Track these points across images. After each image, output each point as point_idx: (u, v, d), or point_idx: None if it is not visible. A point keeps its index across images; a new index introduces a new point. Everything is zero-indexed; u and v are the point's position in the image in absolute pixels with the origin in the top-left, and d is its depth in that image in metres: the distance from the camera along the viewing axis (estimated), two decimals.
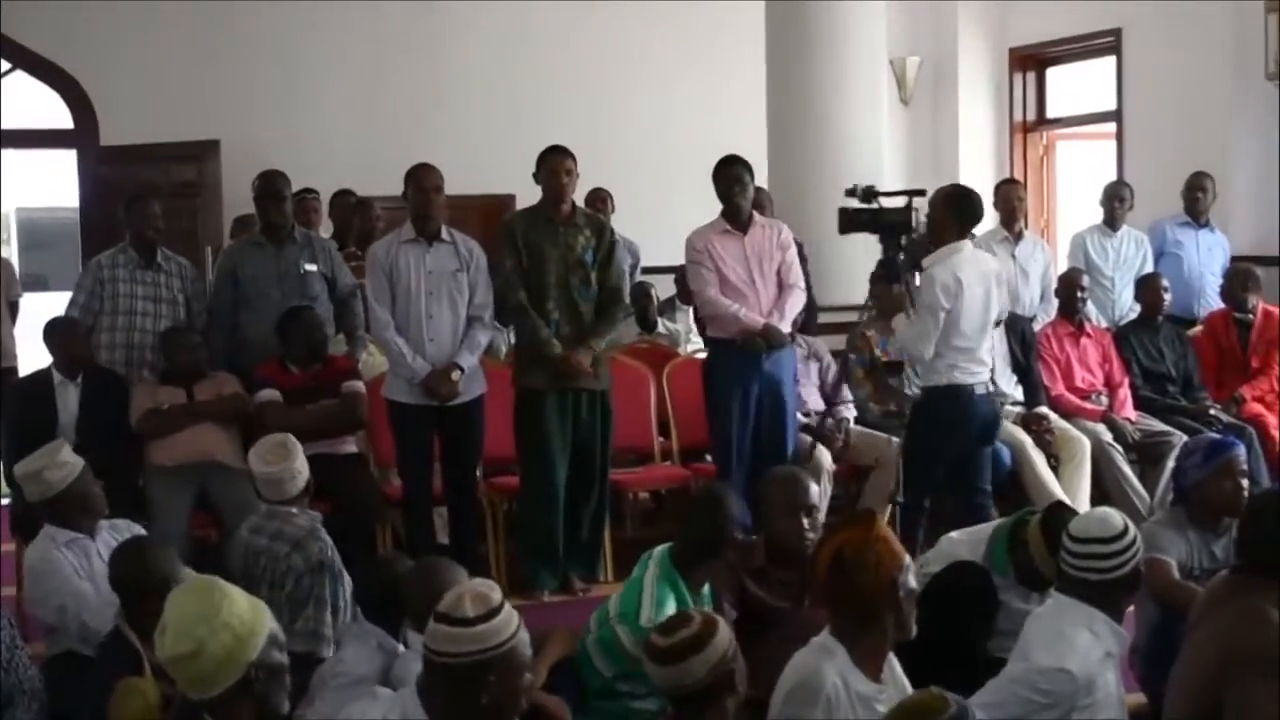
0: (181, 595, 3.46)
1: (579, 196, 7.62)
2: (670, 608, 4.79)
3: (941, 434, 6.87)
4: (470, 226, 7.76)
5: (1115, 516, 4.37)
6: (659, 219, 11.26)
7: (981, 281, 6.81)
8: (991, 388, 7.06)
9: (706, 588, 5.04)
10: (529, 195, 7.52)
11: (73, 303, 7.60)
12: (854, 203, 7.43)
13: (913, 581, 3.87)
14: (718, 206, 7.68)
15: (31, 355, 7.82)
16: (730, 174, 7.48)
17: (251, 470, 5.75)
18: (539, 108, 12.26)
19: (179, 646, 3.31)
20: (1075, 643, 4.19)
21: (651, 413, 8.17)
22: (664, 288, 10.14)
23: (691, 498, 5.48)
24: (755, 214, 7.63)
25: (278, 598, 5.37)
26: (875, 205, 7.38)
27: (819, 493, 5.25)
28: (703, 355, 8.32)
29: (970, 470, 6.95)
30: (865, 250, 9.04)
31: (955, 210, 6.85)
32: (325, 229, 9.75)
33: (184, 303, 7.67)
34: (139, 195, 8.09)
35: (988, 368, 6.91)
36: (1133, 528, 4.35)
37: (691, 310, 9.64)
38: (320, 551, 5.47)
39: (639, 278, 9.87)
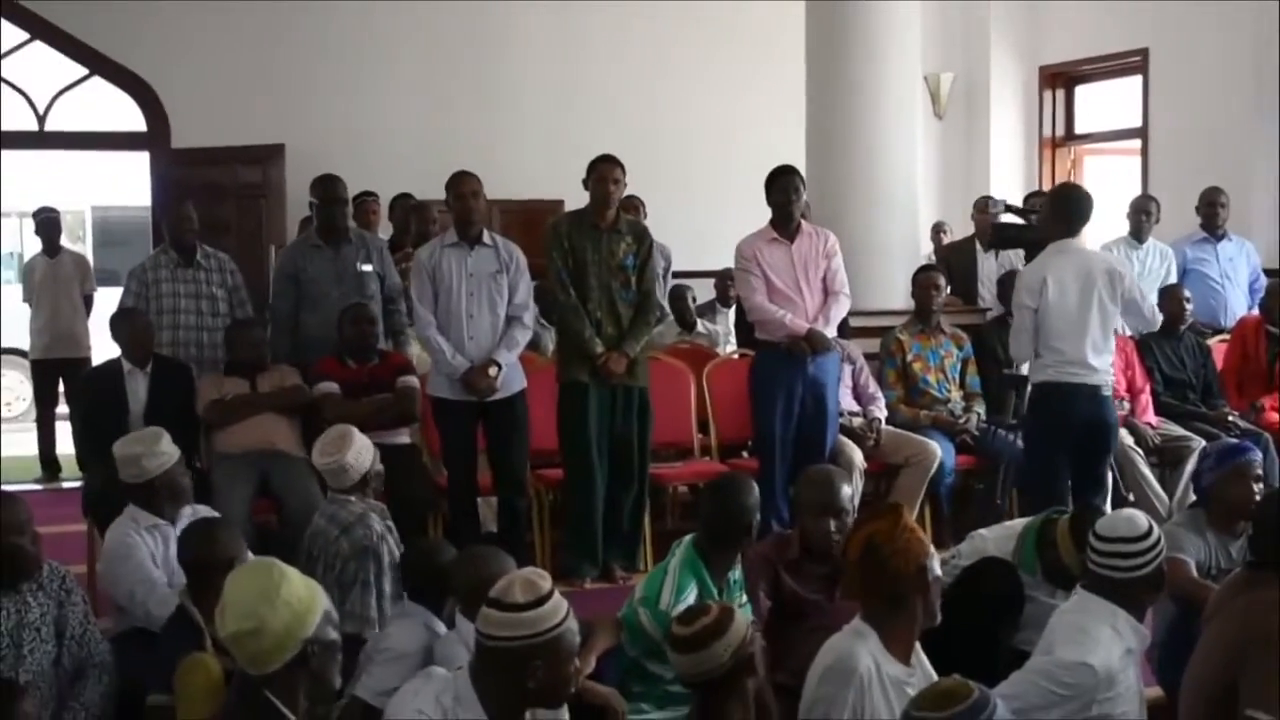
0: (242, 575, 3.48)
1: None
2: (691, 593, 4.79)
3: (1044, 434, 6.71)
4: (518, 229, 7.76)
5: (1141, 517, 4.35)
6: (700, 226, 11.33)
7: (1081, 281, 6.59)
8: (1107, 393, 6.72)
9: (738, 575, 5.02)
10: (576, 200, 7.53)
11: (121, 305, 7.67)
12: (1011, 218, 7.42)
13: (938, 569, 3.91)
14: (756, 215, 7.68)
15: (105, 347, 7.86)
16: (788, 183, 7.48)
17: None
18: (587, 115, 12.33)
19: (242, 624, 3.33)
20: (1098, 638, 4.17)
21: (692, 410, 8.16)
22: (703, 291, 10.15)
23: (706, 486, 5.44)
24: (802, 222, 7.63)
25: (330, 578, 5.41)
26: (1029, 220, 7.38)
27: (850, 495, 5.20)
28: (740, 356, 8.35)
29: (1080, 486, 6.71)
30: (902, 258, 9.14)
31: (1061, 210, 6.75)
32: (384, 230, 9.79)
33: (225, 297, 7.76)
34: (176, 199, 8.17)
35: (1097, 372, 6.62)
36: (1157, 529, 4.33)
37: (731, 313, 9.68)
38: (365, 537, 5.50)
39: (671, 280, 9.89)
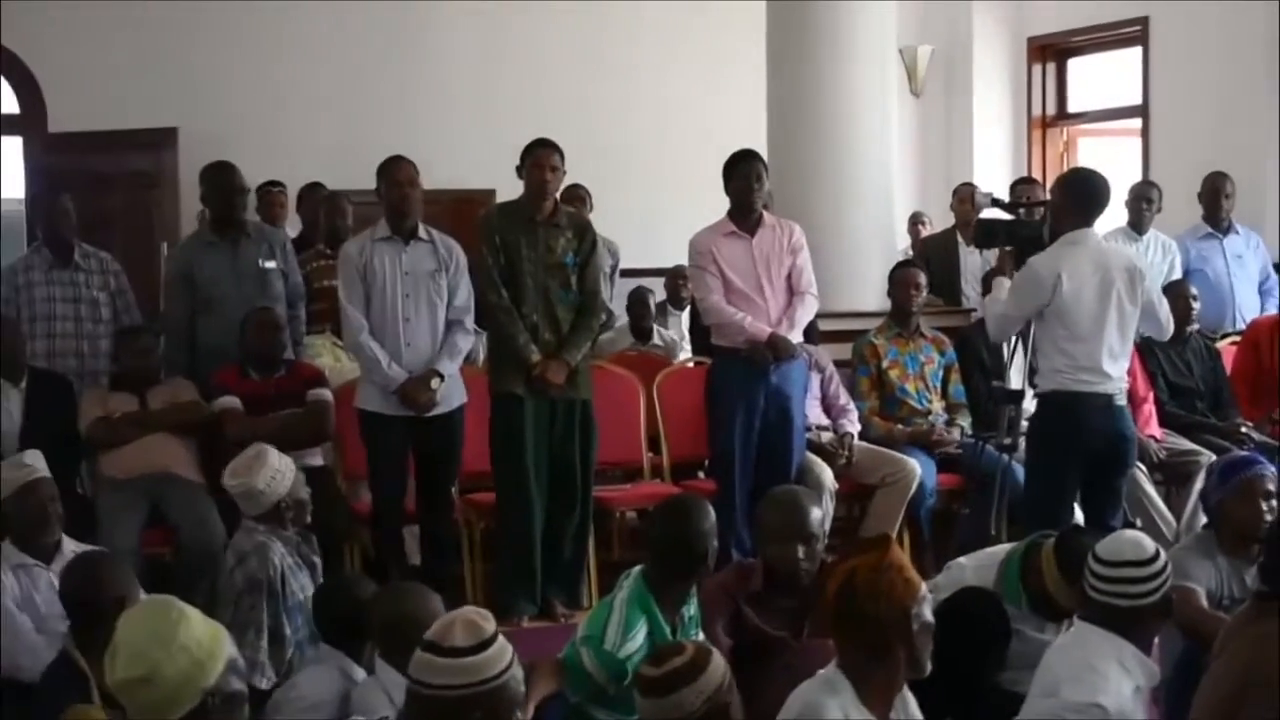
0: (135, 615, 3.44)
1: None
2: (640, 631, 4.78)
3: (1053, 451, 6.67)
4: (443, 222, 7.81)
5: (1147, 539, 4.38)
6: (649, 218, 11.32)
7: (1099, 277, 6.55)
8: (1121, 402, 6.70)
9: (694, 612, 5.01)
10: (510, 190, 7.55)
11: None
12: (997, 213, 7.47)
13: (929, 614, 3.81)
14: (712, 205, 7.73)
15: None
16: (748, 169, 7.52)
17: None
18: (521, 97, 12.24)
19: (131, 670, 3.30)
20: (1107, 675, 4.18)
21: (641, 426, 8.18)
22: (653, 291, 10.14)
23: (656, 510, 5.42)
24: (764, 214, 7.65)
25: (228, 617, 5.42)
26: (1018, 215, 7.42)
27: (820, 519, 5.19)
28: (696, 364, 8.39)
29: (1094, 502, 6.72)
30: (876, 253, 9.15)
31: (1075, 196, 6.71)
32: (292, 225, 9.78)
33: (108, 301, 7.72)
34: (49, 189, 8.13)
35: (1112, 379, 6.59)
36: (1163, 552, 4.36)
37: (685, 316, 9.70)
38: (258, 569, 5.51)
39: (618, 280, 9.88)
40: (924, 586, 3.83)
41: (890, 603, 3.73)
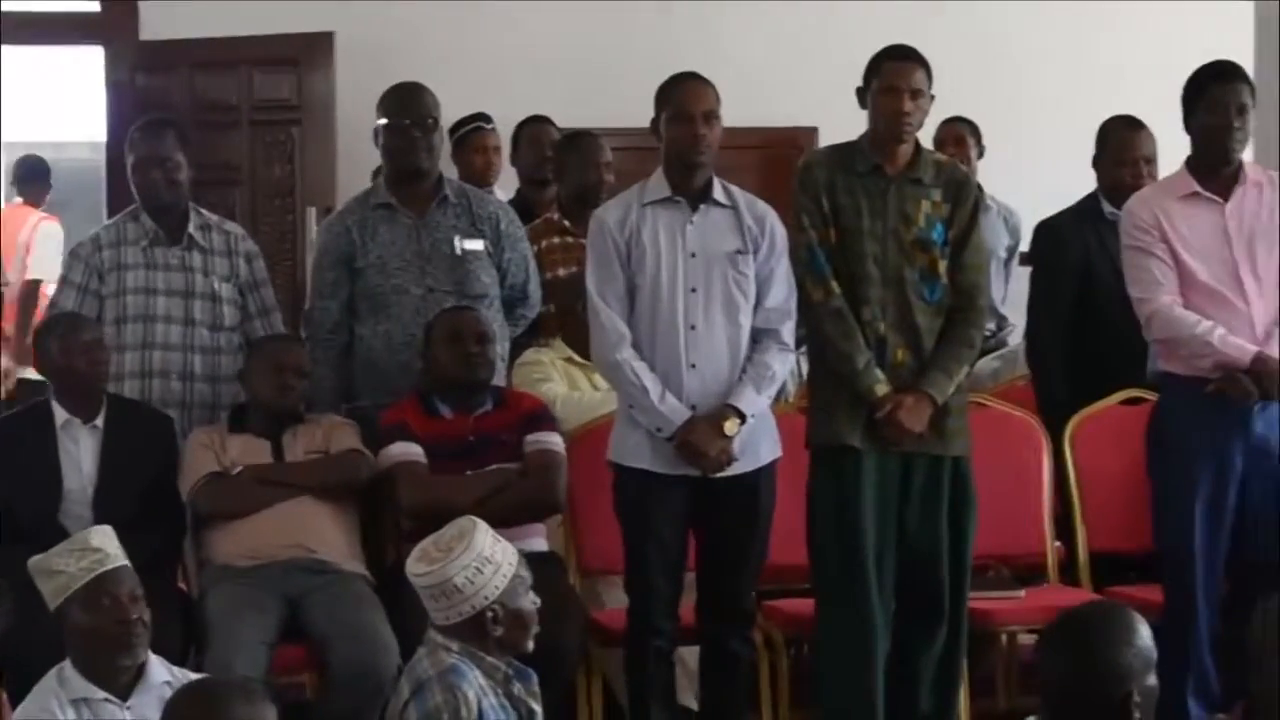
0: None
1: (926, 131, 7.52)
2: None
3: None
4: (746, 177, 7.76)
5: None
6: (1060, 174, 10.82)
7: None
8: None
9: None
10: (842, 128, 7.39)
11: (53, 307, 7.73)
12: None
13: None
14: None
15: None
16: (1226, 94, 7.26)
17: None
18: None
19: None
20: None
21: (1044, 497, 7.99)
22: None
23: (1050, 629, 4.94)
24: (1245, 164, 7.42)
25: None
26: None
27: None
28: (1130, 402, 8.12)
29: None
30: None
31: None
32: (506, 184, 9.80)
33: (234, 296, 7.80)
34: (154, 121, 8.21)
35: None
36: None
37: None
38: (442, 708, 5.35)
39: (1015, 268, 9.83)
40: None
41: None
